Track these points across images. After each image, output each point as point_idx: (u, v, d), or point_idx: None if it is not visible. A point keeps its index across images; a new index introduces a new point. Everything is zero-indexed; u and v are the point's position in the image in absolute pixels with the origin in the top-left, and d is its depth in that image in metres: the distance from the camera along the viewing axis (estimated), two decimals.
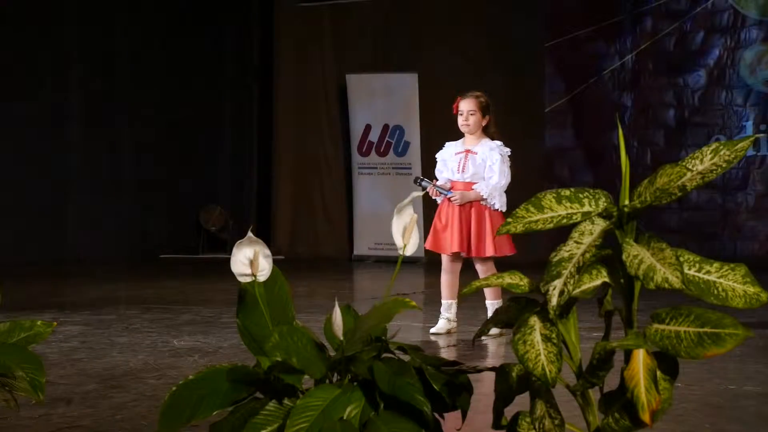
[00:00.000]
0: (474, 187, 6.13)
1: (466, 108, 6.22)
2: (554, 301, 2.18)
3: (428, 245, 6.28)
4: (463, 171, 6.15)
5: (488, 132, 6.26)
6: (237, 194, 14.50)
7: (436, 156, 6.40)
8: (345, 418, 2.29)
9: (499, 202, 6.13)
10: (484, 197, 6.11)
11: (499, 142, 6.22)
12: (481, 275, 6.17)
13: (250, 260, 2.41)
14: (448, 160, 6.26)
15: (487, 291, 6.20)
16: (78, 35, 12.51)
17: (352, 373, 2.38)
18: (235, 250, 2.43)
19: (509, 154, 6.24)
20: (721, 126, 11.60)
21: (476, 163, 6.15)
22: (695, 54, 11.78)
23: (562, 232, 2.31)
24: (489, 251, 6.12)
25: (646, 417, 2.13)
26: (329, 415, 2.26)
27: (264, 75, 14.46)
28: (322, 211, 13.76)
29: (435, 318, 6.36)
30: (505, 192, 6.20)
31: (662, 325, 2.19)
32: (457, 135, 13.39)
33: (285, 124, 14.00)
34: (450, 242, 6.17)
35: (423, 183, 6.22)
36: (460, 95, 6.32)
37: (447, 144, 6.41)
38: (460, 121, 6.24)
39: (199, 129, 13.91)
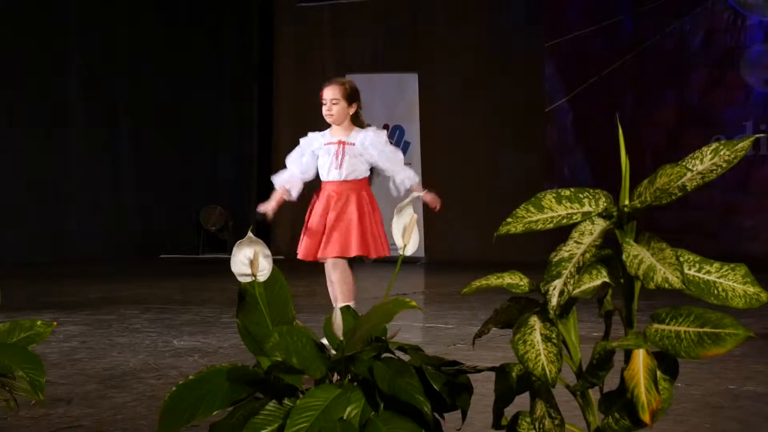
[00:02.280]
0: (406, 184, 5.45)
1: (329, 96, 5.48)
2: (554, 301, 2.18)
3: (304, 254, 5.49)
4: (341, 167, 5.44)
5: (357, 122, 5.57)
6: (237, 194, 14.50)
7: (300, 140, 5.64)
8: (345, 418, 2.29)
9: (412, 180, 5.52)
10: (414, 181, 5.49)
11: (372, 128, 5.58)
12: (336, 275, 5.44)
13: (250, 260, 2.41)
14: (318, 151, 5.52)
15: (342, 293, 5.45)
16: (79, 36, 12.52)
17: (352, 373, 2.38)
18: (235, 250, 2.42)
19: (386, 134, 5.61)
20: (721, 126, 11.61)
21: (355, 155, 5.45)
22: (695, 54, 11.79)
23: (562, 232, 2.31)
24: (387, 250, 5.48)
25: (646, 417, 2.13)
26: (329, 415, 2.26)
27: (264, 75, 14.47)
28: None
29: (435, 318, 6.36)
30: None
31: (662, 325, 2.19)
32: (460, 135, 13.37)
33: (285, 124, 14.00)
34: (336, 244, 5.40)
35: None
36: (327, 83, 5.60)
37: (311, 133, 5.63)
38: (324, 110, 5.50)
39: (199, 129, 13.91)
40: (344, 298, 5.39)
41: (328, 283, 5.52)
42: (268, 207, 5.59)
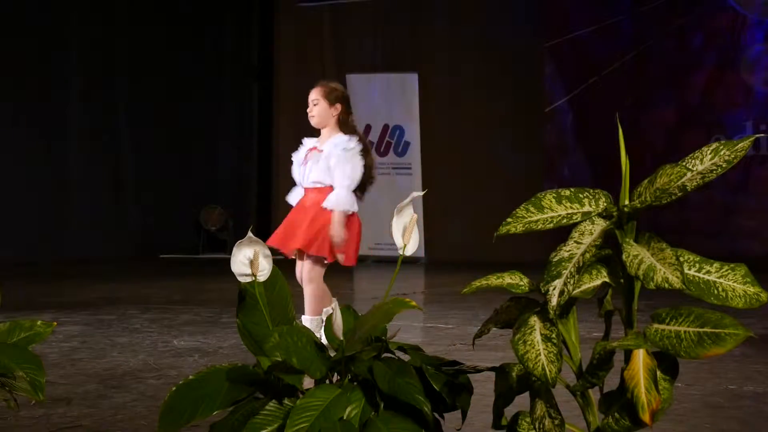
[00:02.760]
0: (326, 204, 5.14)
1: (311, 98, 5.30)
2: (554, 301, 2.18)
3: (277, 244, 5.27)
4: (303, 174, 5.26)
5: (345, 126, 5.32)
6: (237, 194, 14.50)
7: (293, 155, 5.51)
8: (345, 418, 2.29)
9: (350, 207, 5.19)
10: (335, 209, 5.12)
11: (347, 137, 5.25)
12: (310, 289, 5.20)
13: (250, 260, 2.41)
14: (300, 159, 5.38)
15: (311, 306, 5.20)
16: (78, 36, 12.51)
17: (352, 373, 2.38)
18: (235, 250, 2.42)
19: (360, 148, 5.23)
20: (721, 126, 11.61)
21: (318, 163, 5.21)
22: (695, 54, 11.79)
23: (562, 232, 2.31)
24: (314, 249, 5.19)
25: (646, 417, 2.13)
26: (329, 415, 2.26)
27: (264, 75, 14.47)
28: None
29: (435, 318, 6.35)
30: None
31: (662, 325, 2.19)
32: (460, 135, 13.37)
33: (285, 124, 14.00)
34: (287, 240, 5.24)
35: None
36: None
37: (304, 140, 5.46)
38: (308, 112, 5.33)
39: (199, 129, 13.91)
40: (313, 311, 5.16)
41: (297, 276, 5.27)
42: None
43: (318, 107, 5.26)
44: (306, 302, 5.21)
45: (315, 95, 5.28)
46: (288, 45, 14.07)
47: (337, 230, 5.10)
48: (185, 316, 7.01)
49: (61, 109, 12.40)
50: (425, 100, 12.78)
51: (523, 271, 2.44)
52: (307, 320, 5.12)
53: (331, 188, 5.18)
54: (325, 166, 5.18)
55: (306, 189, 5.27)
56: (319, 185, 5.19)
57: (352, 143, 5.22)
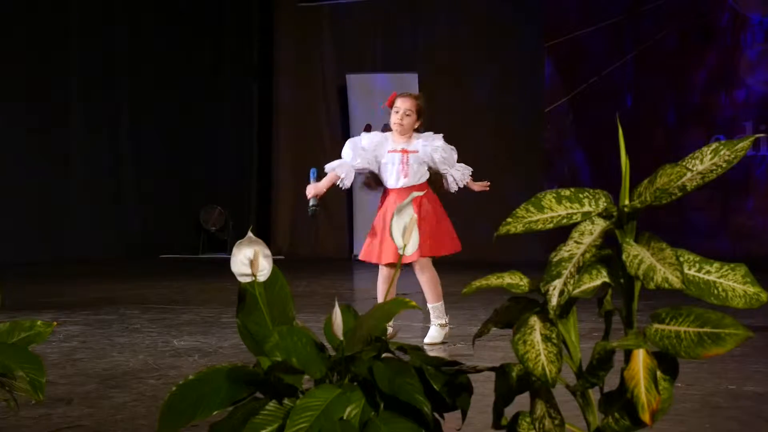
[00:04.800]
0: (466, 178, 5.73)
1: (404, 107, 5.70)
2: (554, 301, 2.18)
3: (366, 256, 5.71)
4: (407, 176, 5.64)
5: (417, 130, 5.79)
6: (237, 194, 14.51)
7: (363, 133, 5.83)
8: (345, 418, 2.29)
9: (469, 171, 5.76)
10: (467, 181, 5.74)
11: (428, 133, 5.74)
12: (424, 277, 5.78)
13: (250, 260, 2.41)
14: (381, 157, 5.67)
15: (429, 292, 5.79)
16: (78, 35, 12.52)
17: (352, 373, 2.38)
18: (235, 250, 2.42)
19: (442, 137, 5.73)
20: (721, 126, 11.61)
21: (420, 162, 5.65)
22: (695, 54, 11.79)
23: (562, 232, 2.31)
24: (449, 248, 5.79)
25: (646, 417, 2.12)
26: (329, 415, 2.26)
27: (264, 75, 14.47)
28: (322, 211, 13.78)
29: None
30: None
31: (662, 325, 2.18)
32: (460, 135, 13.41)
33: (285, 124, 14.00)
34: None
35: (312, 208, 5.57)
36: (400, 94, 5.86)
37: (376, 133, 5.83)
38: (395, 118, 5.68)
39: (199, 129, 13.92)
40: (432, 298, 5.73)
41: (380, 282, 5.72)
42: (320, 186, 5.61)
43: (410, 119, 5.68)
44: (425, 292, 5.77)
45: (409, 106, 5.72)
46: (288, 45, 14.08)
47: (477, 187, 5.83)
48: (185, 316, 7.01)
49: (61, 109, 12.41)
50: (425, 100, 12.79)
51: (523, 271, 2.44)
52: (430, 307, 5.71)
53: (425, 183, 5.65)
54: (424, 164, 5.63)
55: (393, 190, 5.63)
56: (418, 182, 5.62)
57: (440, 136, 5.75)
